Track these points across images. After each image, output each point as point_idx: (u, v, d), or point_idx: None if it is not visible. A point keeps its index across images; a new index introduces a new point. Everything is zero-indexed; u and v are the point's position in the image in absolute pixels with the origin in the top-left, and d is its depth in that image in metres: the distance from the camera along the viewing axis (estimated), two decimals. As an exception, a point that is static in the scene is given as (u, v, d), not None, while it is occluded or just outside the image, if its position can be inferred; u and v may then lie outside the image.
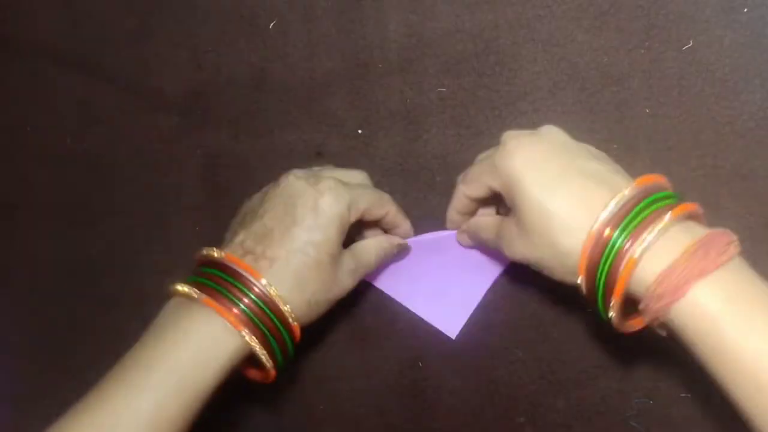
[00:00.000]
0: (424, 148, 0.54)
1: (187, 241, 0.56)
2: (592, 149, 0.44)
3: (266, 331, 0.42)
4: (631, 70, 0.51)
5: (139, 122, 0.57)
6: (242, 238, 0.44)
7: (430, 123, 0.54)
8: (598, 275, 0.38)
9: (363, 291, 0.53)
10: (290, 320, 0.43)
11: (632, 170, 0.50)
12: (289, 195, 0.45)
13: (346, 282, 0.46)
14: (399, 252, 0.51)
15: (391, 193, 0.53)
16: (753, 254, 0.49)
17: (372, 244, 0.49)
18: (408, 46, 0.54)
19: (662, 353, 0.49)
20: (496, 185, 0.43)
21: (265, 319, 0.42)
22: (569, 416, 0.51)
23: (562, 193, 0.40)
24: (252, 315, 0.42)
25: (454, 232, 0.50)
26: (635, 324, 0.40)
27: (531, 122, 0.52)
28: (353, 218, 0.46)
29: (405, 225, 0.51)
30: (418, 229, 0.53)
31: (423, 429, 0.53)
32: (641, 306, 0.38)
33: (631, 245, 0.37)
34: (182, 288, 0.42)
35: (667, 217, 0.37)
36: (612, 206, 0.38)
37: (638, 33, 0.51)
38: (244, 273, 0.42)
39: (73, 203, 0.58)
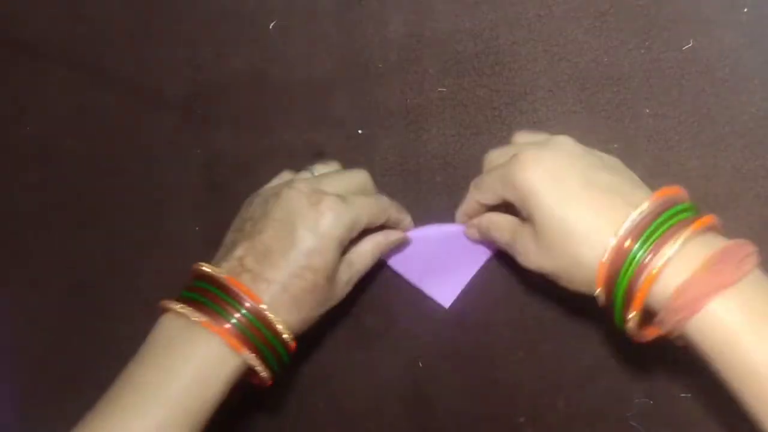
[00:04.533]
0: (424, 148, 0.54)
1: (187, 241, 0.56)
2: (606, 158, 0.44)
3: (261, 346, 0.42)
4: (631, 70, 0.51)
5: (139, 122, 0.57)
6: (241, 253, 0.44)
7: (430, 123, 0.54)
8: (617, 287, 0.38)
9: (363, 291, 0.53)
10: (285, 337, 0.43)
11: (632, 170, 0.50)
12: (289, 212, 0.44)
13: (341, 293, 0.47)
14: (397, 246, 0.51)
15: (391, 193, 0.53)
16: (753, 254, 0.49)
17: (368, 248, 0.48)
18: (408, 46, 0.54)
19: (662, 353, 0.49)
20: (511, 197, 0.43)
21: (259, 335, 0.42)
22: (569, 416, 0.51)
23: (581, 206, 0.40)
24: (247, 331, 0.42)
25: (460, 227, 0.51)
26: (651, 333, 0.40)
27: (531, 122, 0.52)
28: (354, 235, 0.46)
29: (405, 221, 0.51)
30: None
31: (423, 429, 0.53)
32: (659, 318, 0.38)
33: (652, 258, 0.37)
34: (180, 308, 0.42)
35: (688, 231, 0.37)
36: (633, 218, 0.38)
37: (638, 33, 0.51)
38: (243, 294, 0.42)
39: (73, 203, 0.58)
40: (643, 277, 0.37)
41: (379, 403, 0.53)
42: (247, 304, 0.42)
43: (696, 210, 0.40)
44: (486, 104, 0.53)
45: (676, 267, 0.37)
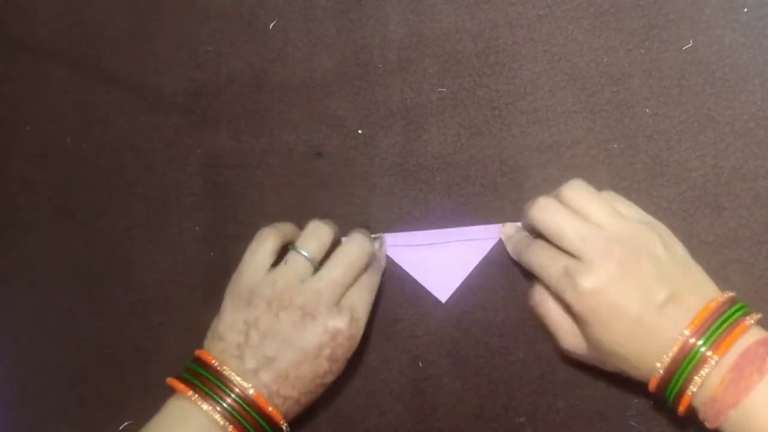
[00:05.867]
0: (424, 148, 0.54)
1: (187, 241, 0.56)
2: (666, 253, 0.44)
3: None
4: (631, 70, 0.51)
5: (139, 122, 0.57)
6: (254, 366, 0.45)
7: (430, 123, 0.54)
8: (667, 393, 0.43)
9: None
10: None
11: (632, 170, 0.50)
12: (304, 341, 0.46)
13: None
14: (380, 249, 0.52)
15: (391, 193, 0.54)
16: (753, 254, 0.49)
17: (368, 298, 0.49)
18: (408, 46, 0.54)
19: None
20: (564, 306, 0.45)
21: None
22: (569, 416, 0.51)
23: (633, 338, 0.42)
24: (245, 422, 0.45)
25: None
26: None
27: (531, 122, 0.52)
28: None
29: (381, 261, 0.52)
30: (419, 228, 0.53)
31: (423, 429, 0.53)
32: (699, 417, 0.42)
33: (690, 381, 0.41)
34: (206, 408, 0.44)
35: (711, 362, 0.40)
36: (668, 358, 0.41)
37: (638, 33, 0.51)
38: (263, 416, 0.45)
39: (73, 203, 0.58)
40: (684, 396, 0.41)
41: (379, 403, 0.53)
42: (262, 413, 0.45)
43: (742, 309, 0.43)
44: (486, 104, 0.53)
45: (708, 381, 0.41)
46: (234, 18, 0.56)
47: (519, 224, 0.51)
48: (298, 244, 0.48)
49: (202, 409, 0.44)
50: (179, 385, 0.45)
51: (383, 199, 0.54)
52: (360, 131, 0.55)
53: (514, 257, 0.50)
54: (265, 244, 0.48)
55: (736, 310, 0.42)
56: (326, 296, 0.46)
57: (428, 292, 0.53)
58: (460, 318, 0.53)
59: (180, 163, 0.57)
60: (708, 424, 0.41)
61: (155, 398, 0.56)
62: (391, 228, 0.53)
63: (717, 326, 0.41)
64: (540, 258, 0.46)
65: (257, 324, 0.46)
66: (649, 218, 0.46)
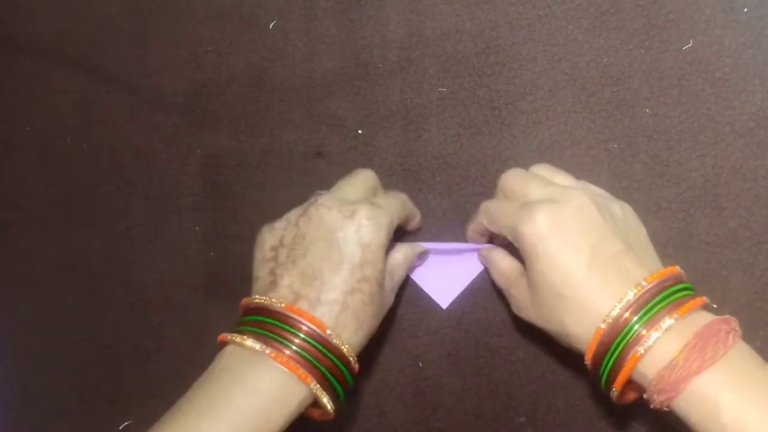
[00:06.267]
0: (424, 148, 0.54)
1: (187, 241, 0.56)
2: (619, 214, 0.43)
3: (328, 374, 0.41)
4: (631, 70, 0.51)
5: (139, 122, 0.57)
6: (288, 281, 0.42)
7: (430, 123, 0.54)
8: (604, 364, 0.40)
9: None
10: (351, 360, 0.42)
11: (632, 170, 0.50)
12: (327, 230, 0.43)
13: (389, 302, 0.47)
14: (420, 258, 0.51)
15: (391, 193, 0.54)
16: (753, 254, 0.49)
17: (402, 260, 0.48)
18: (408, 46, 0.54)
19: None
20: (517, 245, 0.43)
21: (326, 362, 0.41)
22: (569, 416, 0.51)
23: (580, 283, 0.40)
24: (314, 360, 0.40)
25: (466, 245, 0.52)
26: (633, 396, 0.42)
27: (531, 122, 0.52)
28: (391, 237, 0.46)
29: (417, 216, 0.52)
30: (419, 228, 0.53)
31: (423, 429, 0.53)
32: (645, 395, 0.39)
33: (638, 343, 0.38)
34: (249, 343, 0.40)
35: (669, 320, 0.38)
36: (617, 311, 0.39)
37: (638, 33, 0.51)
38: (310, 325, 0.41)
39: (73, 203, 0.58)
40: (628, 358, 0.38)
41: (379, 403, 0.53)
42: (306, 328, 0.41)
43: (691, 290, 0.41)
44: (486, 104, 0.53)
45: (659, 350, 0.38)
46: (234, 18, 0.56)
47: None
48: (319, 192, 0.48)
49: (249, 347, 0.40)
50: (224, 337, 0.42)
51: (383, 199, 0.54)
52: (360, 131, 0.55)
53: (478, 223, 0.49)
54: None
55: (686, 287, 0.40)
56: (340, 193, 0.46)
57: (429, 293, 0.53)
58: (460, 318, 0.53)
59: (180, 163, 0.57)
60: (658, 397, 0.38)
61: (155, 398, 0.56)
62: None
63: (676, 290, 0.39)
64: (499, 203, 0.46)
65: (282, 242, 0.44)
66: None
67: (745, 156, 0.50)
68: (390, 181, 0.54)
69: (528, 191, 0.44)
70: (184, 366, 0.56)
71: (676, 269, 0.41)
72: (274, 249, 0.44)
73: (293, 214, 0.45)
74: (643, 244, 0.43)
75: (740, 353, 0.38)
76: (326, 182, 0.54)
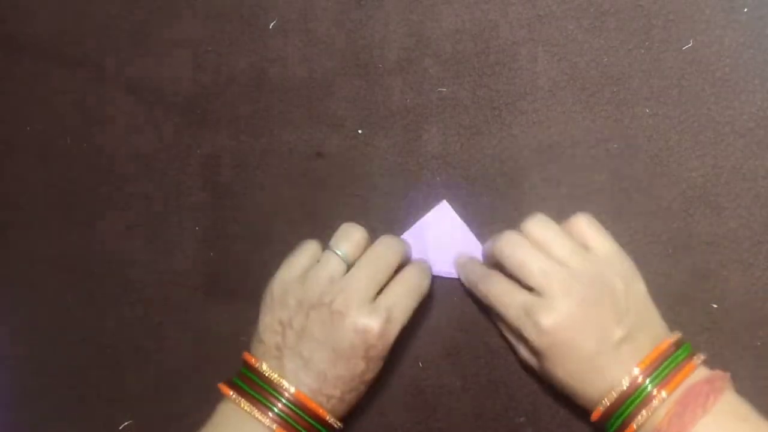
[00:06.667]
0: (424, 148, 0.54)
1: (187, 241, 0.56)
2: (617, 286, 0.44)
3: None
4: (631, 70, 0.51)
5: (139, 122, 0.57)
6: (294, 367, 0.45)
7: (430, 123, 0.54)
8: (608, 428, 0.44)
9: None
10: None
11: (632, 170, 0.50)
12: (337, 338, 0.45)
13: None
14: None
15: (391, 193, 0.54)
16: (753, 254, 0.49)
17: (410, 304, 0.48)
18: (408, 46, 0.54)
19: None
20: (520, 330, 0.45)
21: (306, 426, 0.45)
22: (569, 416, 0.51)
23: (582, 375, 0.44)
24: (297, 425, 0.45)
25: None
26: None
27: (531, 122, 0.52)
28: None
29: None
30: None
31: (423, 429, 0.53)
32: None
33: (631, 421, 0.42)
34: (257, 414, 0.44)
35: (657, 400, 0.42)
36: (614, 396, 0.43)
37: (638, 33, 0.51)
38: (310, 414, 0.45)
39: (73, 203, 0.58)
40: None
41: (379, 403, 0.53)
42: (304, 410, 0.45)
43: (686, 350, 0.44)
44: (486, 104, 0.53)
45: (651, 419, 0.42)
46: (234, 18, 0.56)
47: (473, 256, 0.51)
48: (332, 243, 0.48)
49: (249, 413, 0.44)
50: (227, 391, 0.45)
51: (383, 199, 0.54)
52: (360, 131, 0.55)
53: (468, 285, 0.51)
54: (306, 250, 0.48)
55: (684, 351, 0.43)
56: (354, 293, 0.45)
57: (428, 291, 0.53)
58: (460, 318, 0.53)
59: (180, 163, 0.57)
60: None
61: (155, 398, 0.56)
62: (391, 228, 0.53)
63: (665, 366, 0.42)
64: (498, 291, 0.47)
65: (291, 324, 0.46)
66: (616, 251, 0.46)
67: (745, 156, 0.50)
68: (390, 181, 0.54)
69: (528, 272, 0.45)
70: (184, 366, 0.56)
71: (669, 342, 0.43)
72: (282, 325, 0.46)
73: (305, 296, 0.46)
74: (643, 312, 0.45)
75: (723, 410, 0.41)
76: (326, 182, 0.54)
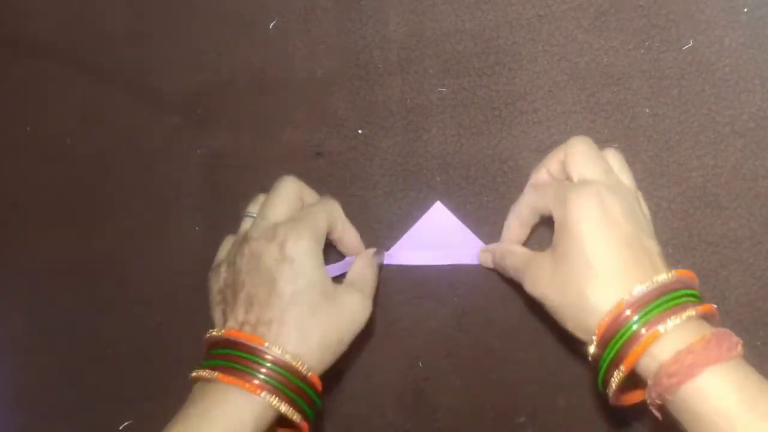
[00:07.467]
0: (424, 148, 0.54)
1: (187, 241, 0.56)
2: (645, 222, 0.44)
3: (286, 390, 0.42)
4: (631, 70, 0.51)
5: (139, 122, 0.57)
6: (234, 315, 0.44)
7: (430, 123, 0.54)
8: (608, 349, 0.39)
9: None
10: (305, 372, 0.43)
11: (632, 170, 0.50)
12: (255, 259, 0.44)
13: (354, 312, 0.46)
14: (379, 259, 0.51)
15: (391, 193, 0.54)
16: (753, 254, 0.49)
17: (361, 266, 0.49)
18: (408, 46, 0.54)
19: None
20: (555, 213, 0.43)
21: (281, 379, 0.42)
22: (569, 416, 0.51)
23: (614, 259, 0.40)
24: (269, 379, 0.42)
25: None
26: (631, 399, 0.42)
27: (531, 122, 0.52)
28: (322, 241, 0.46)
29: (349, 231, 0.51)
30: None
31: (423, 429, 0.53)
32: (650, 381, 0.38)
33: (645, 331, 0.38)
34: (199, 372, 0.43)
35: (692, 311, 0.38)
36: (643, 289, 0.39)
37: (638, 33, 0.51)
38: (249, 343, 0.42)
39: (73, 203, 0.58)
40: (635, 345, 0.38)
41: (379, 403, 0.53)
42: (266, 355, 0.42)
43: (699, 297, 0.41)
44: (486, 104, 0.53)
45: (676, 335, 0.38)
46: (234, 18, 0.56)
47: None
48: (249, 208, 0.49)
49: (208, 377, 0.42)
50: (202, 372, 0.43)
51: (383, 199, 0.54)
52: (360, 131, 0.55)
53: (505, 235, 0.50)
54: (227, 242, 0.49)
55: (697, 295, 0.41)
56: (264, 222, 0.46)
57: (428, 291, 0.53)
58: (460, 318, 0.53)
59: (180, 163, 0.57)
60: (668, 381, 0.37)
61: (155, 398, 0.56)
62: (391, 228, 0.53)
63: (696, 292, 0.40)
64: (534, 194, 0.46)
65: (226, 283, 0.46)
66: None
67: (745, 156, 0.50)
68: (390, 181, 0.54)
69: (589, 167, 0.44)
70: (184, 366, 0.56)
71: (691, 275, 0.42)
72: (221, 292, 0.46)
73: (230, 254, 0.47)
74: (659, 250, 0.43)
75: (744, 366, 0.38)
76: (326, 182, 0.54)
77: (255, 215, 0.48)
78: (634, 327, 0.38)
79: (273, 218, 0.46)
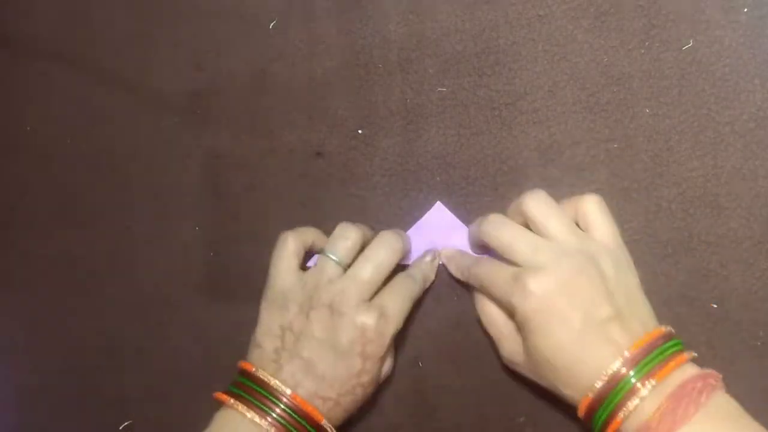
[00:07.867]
0: (424, 148, 0.54)
1: (187, 241, 0.56)
2: (607, 269, 0.43)
3: None
4: (631, 70, 0.51)
5: (139, 122, 0.57)
6: (291, 370, 0.45)
7: (430, 123, 0.54)
8: (594, 422, 0.42)
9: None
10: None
11: (632, 170, 0.50)
12: (335, 338, 0.45)
13: (387, 371, 0.50)
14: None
15: (391, 193, 0.54)
16: (753, 254, 0.49)
17: (407, 307, 0.49)
18: (408, 46, 0.54)
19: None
20: (510, 312, 0.45)
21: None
22: (569, 416, 0.51)
23: (569, 352, 0.42)
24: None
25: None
26: None
27: (531, 122, 0.52)
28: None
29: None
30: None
31: (423, 429, 0.53)
32: None
33: (610, 421, 0.41)
34: (250, 415, 0.44)
35: (649, 384, 0.40)
36: (600, 383, 0.41)
37: (638, 33, 0.51)
38: (310, 414, 0.45)
39: (73, 203, 0.58)
40: (613, 422, 0.41)
41: (379, 403, 0.53)
42: (300, 412, 0.45)
43: (677, 345, 0.42)
44: (486, 104, 0.53)
45: (633, 422, 0.40)
46: (234, 18, 0.56)
47: (459, 249, 0.52)
48: (327, 248, 0.48)
49: (247, 417, 0.44)
50: (223, 397, 0.46)
51: (383, 199, 0.54)
52: (360, 131, 0.55)
53: (458, 275, 0.51)
54: (286, 246, 0.49)
55: (675, 344, 0.42)
56: (352, 293, 0.46)
57: (428, 291, 0.53)
58: (460, 318, 0.53)
59: (180, 163, 0.57)
60: None
61: (155, 398, 0.56)
62: (391, 228, 0.53)
63: (655, 355, 0.41)
64: (488, 269, 0.46)
65: (291, 327, 0.46)
66: (615, 240, 0.45)
67: (745, 156, 0.50)
68: (390, 181, 0.54)
69: (517, 249, 0.44)
70: (184, 366, 0.56)
71: (661, 331, 0.42)
72: (282, 329, 0.47)
73: (306, 300, 0.47)
74: (633, 300, 0.44)
75: (716, 408, 0.40)
76: (326, 182, 0.54)
77: (332, 257, 0.48)
78: (600, 422, 0.41)
79: (363, 277, 0.47)
